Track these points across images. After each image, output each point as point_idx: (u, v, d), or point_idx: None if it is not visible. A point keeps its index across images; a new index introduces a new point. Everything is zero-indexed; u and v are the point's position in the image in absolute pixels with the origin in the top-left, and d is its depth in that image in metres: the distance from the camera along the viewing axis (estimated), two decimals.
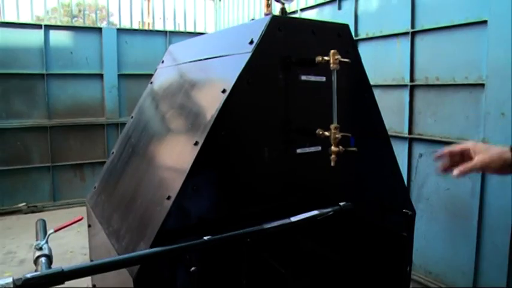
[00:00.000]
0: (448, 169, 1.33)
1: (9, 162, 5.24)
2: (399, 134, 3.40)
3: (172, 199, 1.49)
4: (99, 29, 5.64)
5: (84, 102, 5.61)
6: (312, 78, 1.75)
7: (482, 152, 1.23)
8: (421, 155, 3.27)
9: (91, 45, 5.57)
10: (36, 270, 1.32)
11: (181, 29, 6.50)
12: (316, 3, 4.32)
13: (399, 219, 2.05)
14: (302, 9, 4.54)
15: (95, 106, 5.67)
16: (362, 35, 3.75)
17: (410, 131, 3.33)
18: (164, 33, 6.11)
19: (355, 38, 3.76)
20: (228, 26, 6.45)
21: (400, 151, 3.34)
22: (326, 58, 1.61)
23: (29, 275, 1.22)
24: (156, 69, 2.63)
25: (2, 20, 5.26)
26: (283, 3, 1.87)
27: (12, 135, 5.21)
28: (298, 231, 1.73)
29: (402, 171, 3.34)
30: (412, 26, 3.23)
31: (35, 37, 5.24)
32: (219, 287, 1.58)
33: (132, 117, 2.51)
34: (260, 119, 1.64)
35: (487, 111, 2.70)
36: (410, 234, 2.03)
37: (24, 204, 5.31)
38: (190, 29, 6.58)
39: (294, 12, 4.68)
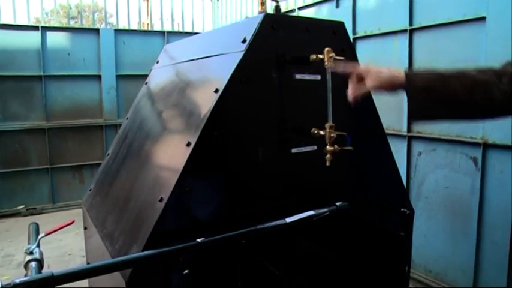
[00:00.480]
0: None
1: (8, 164, 5.22)
2: (398, 132, 3.38)
3: (164, 201, 1.46)
4: (97, 30, 5.61)
5: (82, 104, 5.58)
6: (307, 76, 1.73)
7: (374, 75, 1.31)
8: (420, 153, 3.25)
9: (88, 46, 5.55)
10: (26, 275, 1.30)
11: (180, 29, 6.48)
12: (314, 2, 4.30)
13: (398, 219, 2.02)
14: (300, 8, 4.51)
15: (93, 107, 5.65)
16: (360, 33, 3.72)
17: (409, 129, 3.30)
18: (162, 33, 6.09)
19: (353, 36, 3.74)
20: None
21: (399, 149, 3.32)
22: (320, 56, 1.59)
23: (17, 280, 1.20)
24: (151, 70, 2.61)
25: None
26: (277, 1, 1.84)
27: (10, 137, 5.19)
28: (294, 232, 1.70)
29: (401, 170, 3.32)
30: (410, 24, 3.20)
31: (32, 39, 5.22)
32: None
33: (127, 118, 2.49)
34: (254, 119, 1.62)
35: None
36: (408, 234, 2.01)
37: (23, 206, 5.29)
38: (188, 29, 6.56)
39: (291, 10, 4.66)
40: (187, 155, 1.48)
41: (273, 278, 1.62)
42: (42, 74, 5.27)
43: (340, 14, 3.84)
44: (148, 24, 6.67)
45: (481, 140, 2.73)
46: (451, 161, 2.99)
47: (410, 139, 3.31)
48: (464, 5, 2.80)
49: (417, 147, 3.26)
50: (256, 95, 1.61)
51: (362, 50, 3.71)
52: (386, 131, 3.40)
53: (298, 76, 1.70)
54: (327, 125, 1.61)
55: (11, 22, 5.26)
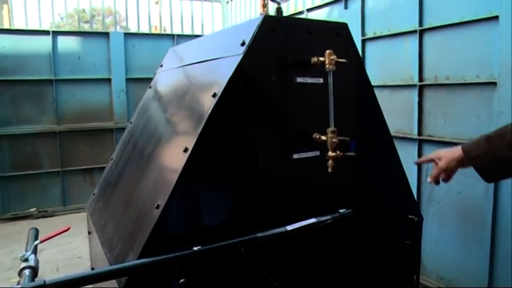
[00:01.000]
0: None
1: (20, 167, 5.28)
2: (408, 136, 3.30)
3: (161, 208, 1.43)
4: (107, 34, 5.64)
5: (93, 107, 5.62)
6: (309, 80, 1.68)
7: (442, 158, 1.51)
8: None
9: (99, 50, 5.58)
10: (18, 283, 1.28)
11: (189, 32, 6.48)
12: (322, 3, 4.24)
13: (406, 226, 1.96)
14: (308, 10, 4.46)
15: (103, 111, 5.68)
16: (369, 34, 3.65)
17: (419, 133, 3.21)
18: (172, 36, 6.10)
19: (362, 38, 3.67)
20: None
21: (410, 153, 3.24)
22: (321, 59, 1.54)
23: None
24: (155, 73, 2.59)
25: (11, 27, 5.30)
26: (278, 3, 1.80)
27: (22, 140, 5.25)
28: (296, 240, 1.66)
29: (412, 174, 3.25)
30: (420, 24, 3.12)
31: (44, 43, 5.27)
32: None
33: (131, 122, 2.47)
34: (253, 124, 1.58)
35: (500, 110, 2.58)
36: (417, 242, 1.94)
37: (35, 209, 5.34)
38: (198, 31, 6.55)
39: (300, 12, 4.61)
40: (184, 161, 1.44)
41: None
42: (53, 78, 5.32)
43: (349, 15, 3.78)
44: (158, 27, 6.68)
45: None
46: None
47: (421, 143, 3.22)
48: (476, 4, 2.72)
49: (428, 150, 3.17)
50: (255, 99, 1.57)
51: (372, 51, 3.64)
52: (397, 134, 3.35)
53: (299, 79, 1.66)
54: (329, 130, 1.56)
55: (23, 27, 5.33)
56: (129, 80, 5.77)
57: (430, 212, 3.15)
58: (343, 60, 1.53)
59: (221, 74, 1.56)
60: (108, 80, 5.68)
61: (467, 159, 1.42)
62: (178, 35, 6.10)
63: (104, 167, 5.66)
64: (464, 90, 2.85)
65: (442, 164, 1.49)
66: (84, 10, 6.02)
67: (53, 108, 5.37)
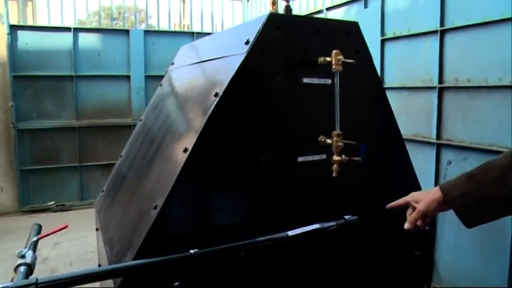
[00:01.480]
0: None
1: (40, 161, 5.38)
2: (427, 139, 3.18)
3: (158, 209, 1.40)
4: (127, 31, 5.69)
5: (112, 103, 5.67)
6: (316, 80, 1.62)
7: (419, 201, 1.31)
8: (449, 162, 3.04)
9: (118, 47, 5.63)
10: (12, 280, 1.28)
11: (209, 30, 6.47)
12: (342, 2, 4.15)
13: (418, 235, 1.87)
14: (328, 9, 4.38)
15: (122, 107, 5.73)
16: (389, 34, 3.55)
17: (438, 136, 3.10)
18: (191, 34, 6.10)
19: (381, 38, 3.57)
20: None
21: (428, 157, 3.13)
22: (328, 59, 1.48)
23: (1, 286, 1.17)
24: (166, 71, 2.58)
25: (34, 24, 5.40)
26: (288, 1, 1.74)
27: (42, 135, 5.35)
28: (299, 244, 1.60)
29: (429, 179, 3.14)
30: (442, 24, 3.01)
31: (65, 40, 5.35)
32: None
33: (140, 120, 2.47)
34: (256, 125, 1.53)
35: None
36: (427, 252, 1.85)
37: (53, 202, 5.43)
38: (218, 29, 6.53)
39: (319, 11, 4.53)
40: (183, 162, 1.41)
41: None
42: (73, 74, 5.39)
43: (369, 15, 3.68)
44: (184, 25, 6.69)
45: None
46: None
47: (439, 147, 3.11)
48: (501, 3, 2.59)
49: (447, 155, 3.06)
50: (259, 100, 1.53)
51: (391, 52, 3.54)
52: (414, 138, 3.25)
53: (306, 80, 1.60)
54: (334, 133, 1.50)
55: (46, 24, 5.42)
56: (148, 77, 5.80)
57: (447, 219, 3.03)
58: (351, 61, 1.47)
59: (224, 73, 1.53)
60: (127, 77, 5.73)
61: (447, 201, 1.23)
62: (198, 33, 6.09)
63: None
64: (486, 94, 2.73)
65: (420, 207, 1.29)
66: (110, 8, 6.08)
67: (73, 104, 5.45)
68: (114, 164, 5.56)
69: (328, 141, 1.53)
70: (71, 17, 5.64)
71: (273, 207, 1.59)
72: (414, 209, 1.32)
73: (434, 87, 3.09)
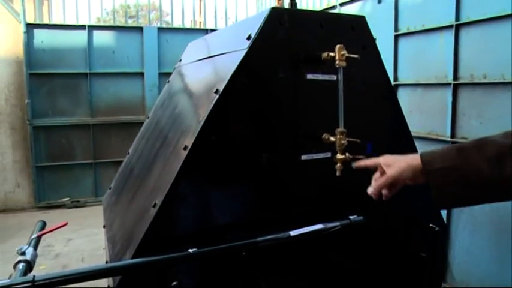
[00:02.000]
0: None
1: (55, 158, 5.46)
2: (441, 137, 3.10)
3: (157, 207, 1.39)
4: (141, 28, 5.72)
5: (125, 101, 5.71)
6: (320, 76, 1.58)
7: (392, 165, 1.11)
8: None
9: (132, 45, 5.66)
10: (10, 277, 1.28)
11: (223, 27, 6.45)
12: None
13: (428, 235, 1.82)
14: (341, 4, 4.30)
15: (135, 104, 5.76)
16: (403, 29, 3.46)
17: (453, 134, 3.01)
18: (205, 31, 6.08)
19: (395, 33, 3.48)
20: None
21: None
22: (332, 54, 1.44)
23: None
24: (174, 68, 2.57)
25: (50, 22, 5.48)
26: None
27: (57, 132, 5.43)
28: (303, 243, 1.57)
29: None
30: (457, 19, 2.92)
31: (80, 38, 5.40)
32: None
33: (148, 117, 2.46)
34: (258, 122, 1.50)
35: None
36: (437, 253, 1.79)
37: (67, 199, 5.51)
38: None
39: (333, 7, 4.45)
40: (183, 160, 1.39)
41: None
42: (87, 71, 5.45)
43: (383, 10, 3.60)
44: (199, 22, 6.70)
45: None
46: None
47: None
48: None
49: None
50: (260, 96, 1.49)
51: (404, 48, 3.45)
52: (428, 136, 3.17)
53: (310, 76, 1.56)
54: (338, 131, 1.46)
55: (61, 22, 5.50)
56: (161, 75, 5.81)
57: (461, 219, 2.95)
58: (355, 56, 1.42)
59: (225, 69, 1.50)
60: (141, 74, 5.75)
61: (426, 173, 1.01)
62: (212, 30, 6.07)
63: None
64: (502, 90, 2.63)
65: (392, 172, 1.08)
66: (127, 6, 6.13)
67: (87, 101, 5.51)
68: None
69: (332, 139, 1.48)
70: (86, 16, 5.70)
71: (276, 206, 1.56)
72: (383, 173, 1.13)
73: (449, 84, 3.00)
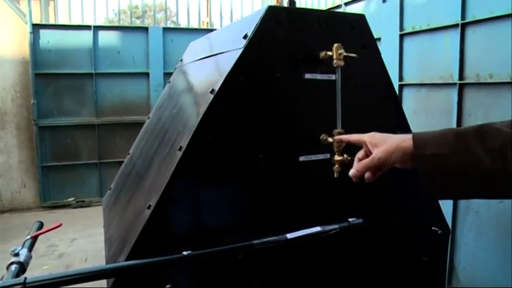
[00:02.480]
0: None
1: (60, 158, 5.48)
2: None
3: (151, 208, 1.37)
4: (146, 29, 5.73)
5: (130, 101, 5.72)
6: (318, 76, 1.55)
7: (379, 145, 0.99)
8: None
9: (137, 45, 5.67)
10: (1, 278, 1.27)
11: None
12: None
13: (431, 239, 1.78)
14: (346, 3, 4.26)
15: (140, 104, 5.77)
16: (408, 29, 3.41)
17: None
18: (210, 31, 6.04)
19: (400, 33, 3.44)
20: None
21: None
22: (329, 53, 1.41)
23: None
24: (175, 68, 2.55)
25: (56, 23, 5.50)
26: None
27: (62, 132, 5.45)
28: (301, 246, 1.54)
29: None
30: (463, 17, 2.87)
31: (85, 38, 5.42)
32: None
33: (148, 118, 2.45)
34: (255, 123, 1.47)
35: None
36: (439, 257, 1.76)
37: (73, 199, 5.53)
38: None
39: (338, 6, 4.41)
40: (177, 160, 1.37)
41: None
42: (93, 71, 5.46)
43: (387, 9, 3.56)
44: (207, 22, 6.69)
45: None
46: None
47: None
48: None
49: None
50: (257, 97, 1.47)
51: (409, 47, 3.40)
52: None
53: (308, 76, 1.53)
54: (336, 132, 1.42)
55: (66, 22, 5.52)
56: (166, 75, 5.80)
57: (467, 221, 2.90)
58: (353, 55, 1.39)
59: (221, 69, 1.48)
60: (146, 74, 5.76)
61: (417, 157, 0.90)
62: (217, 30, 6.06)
63: None
64: (509, 90, 2.58)
65: (379, 154, 0.97)
66: (137, 6, 6.15)
67: (93, 101, 5.53)
68: None
69: (330, 140, 1.45)
70: (91, 16, 5.72)
71: (273, 209, 1.53)
72: (368, 153, 1.04)
73: (454, 84, 2.95)
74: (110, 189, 2.41)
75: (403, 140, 0.93)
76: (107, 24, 6.11)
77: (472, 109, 2.85)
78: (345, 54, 1.38)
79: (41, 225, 1.73)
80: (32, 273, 1.28)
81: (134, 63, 5.69)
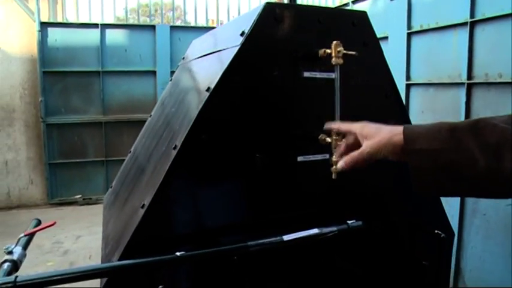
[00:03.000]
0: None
1: (67, 155, 5.52)
2: None
3: (145, 208, 1.35)
4: (153, 27, 5.73)
5: (137, 99, 5.74)
6: (318, 74, 1.51)
7: (369, 137, 0.95)
8: None
9: (145, 43, 5.69)
10: None
11: None
12: None
13: (434, 242, 1.73)
14: (354, 2, 4.21)
15: (147, 102, 5.77)
16: (416, 27, 3.35)
17: None
18: None
19: (408, 31, 3.38)
20: None
21: None
22: (328, 51, 1.37)
23: None
24: (177, 66, 2.53)
25: (63, 21, 5.53)
26: None
27: (70, 130, 5.49)
28: (297, 249, 1.51)
29: None
30: (472, 15, 2.80)
31: (92, 36, 5.45)
32: None
33: (150, 116, 2.44)
34: (251, 122, 1.44)
35: None
36: (442, 261, 1.71)
37: (79, 196, 5.56)
38: None
39: (345, 4, 4.36)
40: (171, 159, 1.35)
41: None
42: (100, 69, 5.48)
43: (395, 7, 3.50)
44: (214, 20, 6.68)
45: None
46: None
47: None
48: None
49: None
50: (254, 95, 1.44)
51: (417, 46, 3.35)
52: None
53: (306, 74, 1.50)
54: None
55: (74, 21, 5.55)
56: (173, 73, 5.80)
57: (474, 223, 2.84)
58: (352, 53, 1.36)
59: (217, 67, 1.45)
60: (153, 72, 5.77)
61: (407, 152, 0.86)
62: None
63: None
64: None
65: (369, 148, 0.94)
66: (147, 5, 6.16)
67: (100, 99, 5.55)
68: None
69: (328, 139, 1.42)
70: (99, 14, 5.73)
71: (271, 210, 1.50)
72: (356, 143, 1.01)
73: (462, 83, 2.89)
74: (110, 187, 2.40)
75: (394, 133, 0.90)
76: (116, 22, 6.12)
77: (481, 109, 2.79)
78: (344, 52, 1.34)
79: (39, 222, 1.72)
80: (36, 270, 1.27)
81: (141, 62, 5.70)
